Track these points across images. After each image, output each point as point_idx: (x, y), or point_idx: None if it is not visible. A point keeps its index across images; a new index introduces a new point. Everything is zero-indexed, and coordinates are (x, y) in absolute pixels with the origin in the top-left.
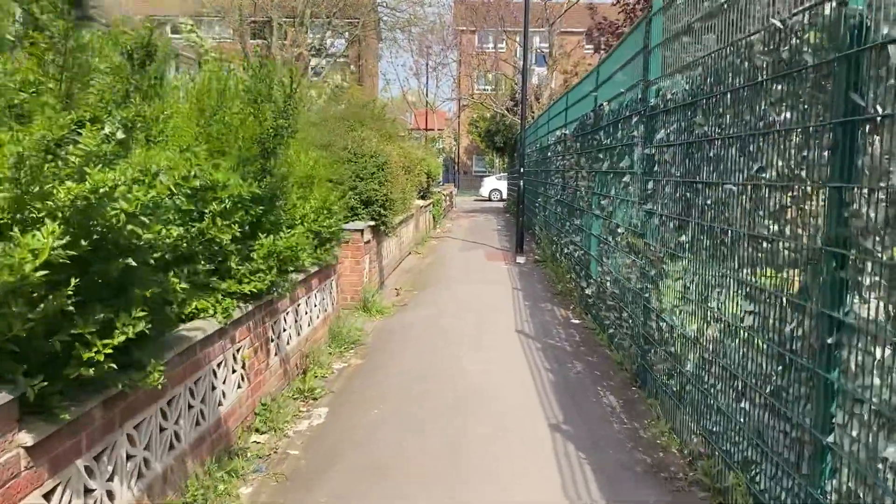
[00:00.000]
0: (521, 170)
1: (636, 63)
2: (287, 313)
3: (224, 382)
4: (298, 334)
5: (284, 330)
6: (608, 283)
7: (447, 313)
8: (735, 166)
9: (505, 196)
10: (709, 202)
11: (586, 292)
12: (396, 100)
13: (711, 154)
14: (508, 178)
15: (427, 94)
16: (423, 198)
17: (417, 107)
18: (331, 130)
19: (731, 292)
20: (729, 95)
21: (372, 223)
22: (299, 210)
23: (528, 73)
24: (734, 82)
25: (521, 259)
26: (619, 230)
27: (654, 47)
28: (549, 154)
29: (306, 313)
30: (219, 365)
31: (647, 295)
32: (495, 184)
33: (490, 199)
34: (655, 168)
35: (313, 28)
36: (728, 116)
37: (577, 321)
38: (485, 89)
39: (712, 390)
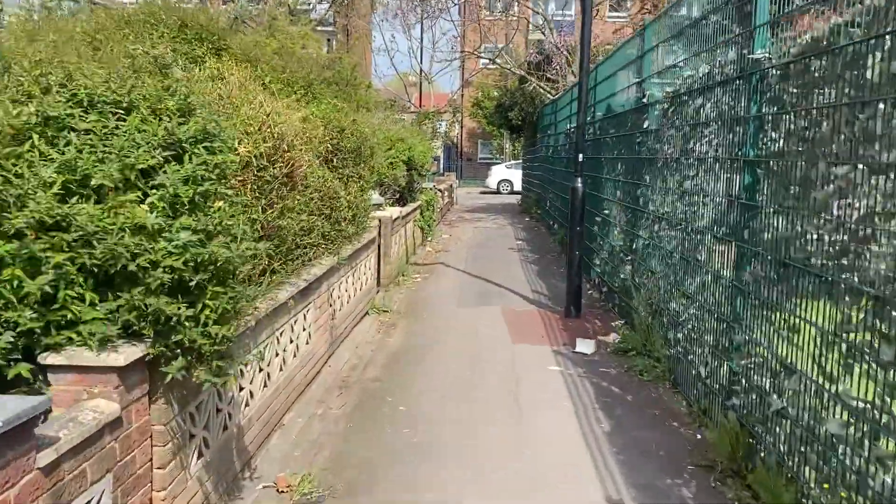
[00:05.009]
0: (581, 157)
1: None
2: None
3: None
4: None
5: None
6: None
7: None
8: None
9: (518, 188)
10: None
11: None
12: (393, 83)
13: None
14: (525, 166)
15: (420, 59)
16: (400, 202)
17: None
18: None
19: None
20: None
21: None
22: None
23: None
24: None
25: (585, 345)
26: None
27: None
28: (629, 126)
29: None
30: None
31: None
32: (505, 173)
33: (499, 192)
34: None
35: None
36: None
37: None
38: (488, 66)
39: None
